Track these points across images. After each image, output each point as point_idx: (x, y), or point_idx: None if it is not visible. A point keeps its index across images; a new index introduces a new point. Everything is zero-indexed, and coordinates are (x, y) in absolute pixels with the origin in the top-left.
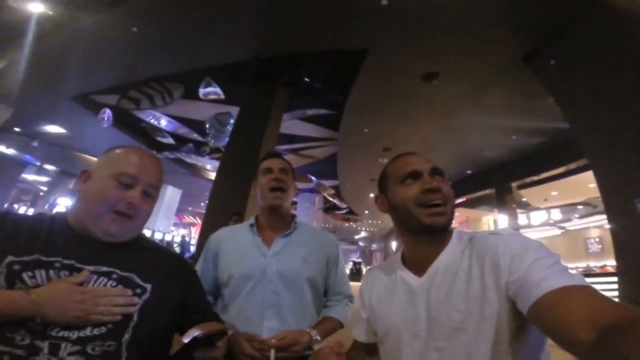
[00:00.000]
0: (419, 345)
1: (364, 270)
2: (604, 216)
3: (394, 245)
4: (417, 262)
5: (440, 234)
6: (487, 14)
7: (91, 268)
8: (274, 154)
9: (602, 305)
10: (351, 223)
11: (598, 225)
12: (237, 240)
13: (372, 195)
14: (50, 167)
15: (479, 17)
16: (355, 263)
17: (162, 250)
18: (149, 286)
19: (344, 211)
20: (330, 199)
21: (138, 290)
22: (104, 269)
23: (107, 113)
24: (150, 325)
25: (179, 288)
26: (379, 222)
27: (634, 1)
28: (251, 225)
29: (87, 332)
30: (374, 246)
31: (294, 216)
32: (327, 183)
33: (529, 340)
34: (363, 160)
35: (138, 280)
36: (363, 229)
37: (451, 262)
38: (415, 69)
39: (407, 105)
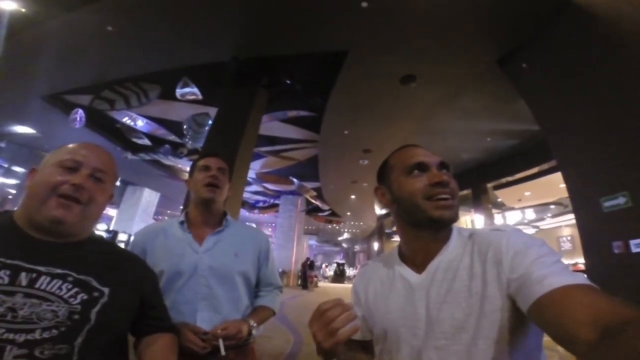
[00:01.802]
0: (417, 344)
1: (347, 271)
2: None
3: (376, 246)
4: (417, 259)
5: (444, 229)
6: (462, 18)
7: (42, 269)
8: (212, 154)
9: (604, 304)
10: (334, 225)
11: (570, 224)
12: (167, 237)
13: (353, 196)
14: (19, 169)
15: (455, 21)
16: (338, 264)
17: (120, 252)
18: (106, 290)
19: (326, 213)
20: (313, 201)
21: (95, 294)
22: (58, 270)
23: (80, 113)
24: (106, 329)
25: (137, 292)
26: (361, 223)
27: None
28: (181, 222)
29: (36, 335)
30: (357, 247)
31: (225, 213)
32: (309, 185)
33: (527, 338)
34: (344, 161)
35: (95, 284)
36: (346, 230)
37: (452, 258)
38: (394, 72)
39: (387, 108)
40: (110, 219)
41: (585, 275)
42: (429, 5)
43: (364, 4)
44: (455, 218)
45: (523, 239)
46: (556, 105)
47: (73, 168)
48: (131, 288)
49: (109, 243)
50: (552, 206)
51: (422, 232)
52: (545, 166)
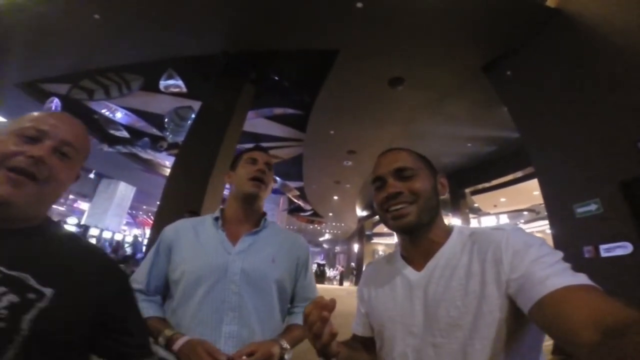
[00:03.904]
0: (413, 341)
1: (327, 272)
2: (546, 222)
3: (356, 247)
4: (415, 257)
5: (414, 234)
6: (452, 24)
7: None
8: (260, 148)
9: (606, 305)
10: (315, 225)
11: (540, 230)
12: (197, 234)
13: (336, 197)
14: None
15: (445, 26)
16: (319, 265)
17: (79, 244)
18: (48, 291)
19: (308, 213)
20: (295, 200)
21: (30, 296)
22: None
23: (55, 102)
24: (46, 340)
25: (96, 298)
26: (343, 224)
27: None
28: (215, 218)
29: None
30: (338, 248)
31: (264, 214)
32: (292, 184)
33: (526, 339)
34: (328, 162)
35: (33, 283)
36: (327, 231)
37: (451, 257)
38: (383, 73)
39: (373, 110)
40: (82, 212)
41: (586, 275)
42: (421, 9)
43: (359, 5)
44: (414, 224)
45: (523, 238)
46: (536, 113)
47: (35, 138)
48: (87, 293)
49: (66, 233)
50: (525, 212)
51: (401, 236)
52: (519, 174)
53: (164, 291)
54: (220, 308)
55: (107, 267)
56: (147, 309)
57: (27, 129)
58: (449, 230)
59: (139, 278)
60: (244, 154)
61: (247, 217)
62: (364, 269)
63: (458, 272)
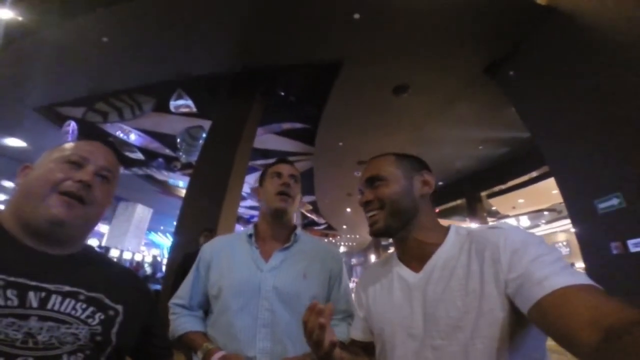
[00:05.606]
0: (413, 344)
1: None
2: (569, 220)
3: (373, 258)
4: (412, 259)
5: (398, 236)
6: (450, 28)
7: (51, 287)
8: (284, 160)
9: (606, 305)
10: (330, 238)
11: (564, 229)
12: (233, 251)
13: (349, 209)
14: (8, 184)
15: (440, 31)
16: None
17: (117, 264)
18: (120, 307)
19: (322, 226)
20: (308, 214)
21: (111, 313)
22: (67, 288)
23: (72, 126)
24: (123, 351)
25: (144, 310)
26: (357, 236)
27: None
28: (249, 235)
29: None
30: (354, 260)
31: (295, 227)
32: (305, 199)
33: (527, 339)
34: (339, 174)
35: (108, 301)
36: (342, 243)
37: (449, 257)
38: (387, 82)
39: (380, 118)
40: (102, 235)
41: (585, 274)
42: (417, 16)
43: (356, 16)
44: (381, 229)
45: (521, 236)
46: (545, 111)
47: (78, 164)
48: (140, 307)
49: (101, 253)
50: (546, 212)
51: (393, 240)
52: (534, 174)
53: (205, 306)
54: (253, 324)
55: (142, 283)
56: (189, 323)
57: (70, 156)
58: (444, 230)
59: (181, 294)
60: (269, 168)
61: (277, 232)
62: (361, 272)
63: (457, 272)
